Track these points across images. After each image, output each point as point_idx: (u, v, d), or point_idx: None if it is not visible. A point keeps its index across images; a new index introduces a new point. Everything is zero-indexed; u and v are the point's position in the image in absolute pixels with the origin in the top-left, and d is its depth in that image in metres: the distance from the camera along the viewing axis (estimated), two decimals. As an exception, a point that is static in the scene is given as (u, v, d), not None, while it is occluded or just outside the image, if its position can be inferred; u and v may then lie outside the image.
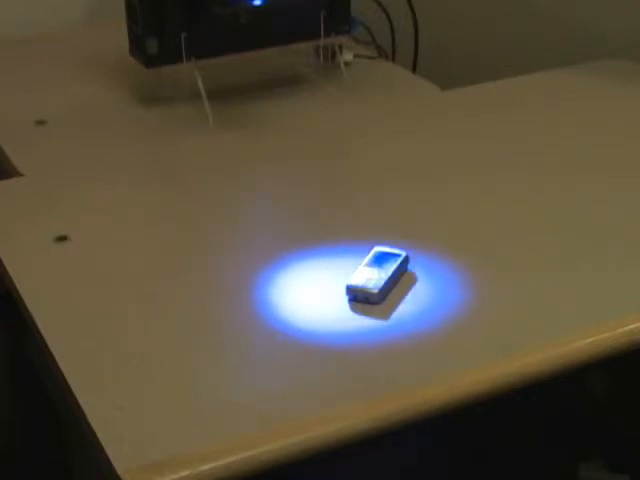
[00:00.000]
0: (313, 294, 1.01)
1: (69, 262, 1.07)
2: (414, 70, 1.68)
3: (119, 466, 0.79)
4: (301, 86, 1.51)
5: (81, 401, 0.86)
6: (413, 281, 1.03)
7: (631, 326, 0.96)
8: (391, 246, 1.06)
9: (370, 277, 1.00)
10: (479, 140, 1.33)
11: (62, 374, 0.90)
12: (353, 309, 0.99)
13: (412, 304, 0.99)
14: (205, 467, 0.80)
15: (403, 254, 1.04)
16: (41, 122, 1.40)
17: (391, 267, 1.02)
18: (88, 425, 0.84)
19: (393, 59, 1.65)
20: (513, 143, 1.33)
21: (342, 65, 1.50)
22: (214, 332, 0.97)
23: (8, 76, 1.56)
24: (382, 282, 0.99)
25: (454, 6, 1.90)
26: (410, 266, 1.04)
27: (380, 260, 1.03)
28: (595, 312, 0.98)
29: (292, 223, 1.16)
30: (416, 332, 0.96)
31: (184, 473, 0.79)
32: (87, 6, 1.82)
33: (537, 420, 1.32)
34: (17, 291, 1.02)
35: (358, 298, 0.99)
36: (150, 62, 1.37)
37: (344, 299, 1.00)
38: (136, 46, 1.38)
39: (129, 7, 1.37)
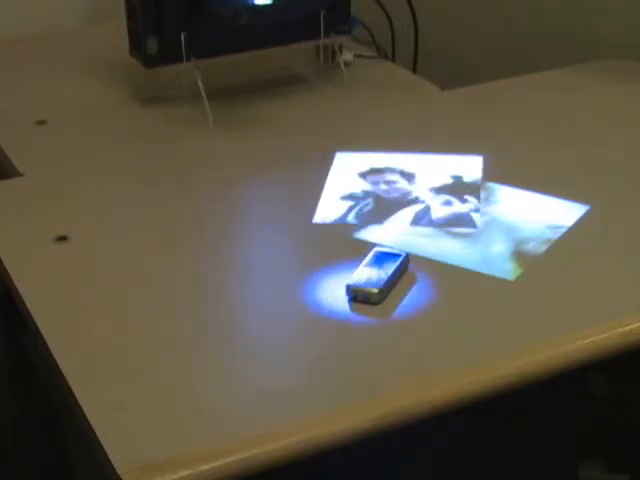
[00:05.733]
0: (313, 294, 1.02)
1: (69, 262, 1.07)
2: (414, 70, 1.68)
3: (119, 466, 0.79)
4: (301, 86, 1.51)
5: (81, 401, 0.86)
6: (413, 281, 1.03)
7: (631, 326, 0.96)
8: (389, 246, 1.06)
9: (370, 277, 1.00)
10: (479, 140, 1.33)
11: (62, 374, 0.90)
12: (353, 309, 0.99)
13: (412, 304, 0.99)
14: (205, 467, 0.80)
15: (403, 254, 1.04)
16: (41, 122, 1.40)
17: (391, 267, 1.02)
18: (88, 425, 0.84)
19: (393, 59, 1.65)
20: (513, 143, 1.33)
21: (342, 65, 1.50)
22: (214, 332, 0.97)
23: (8, 76, 1.56)
24: (382, 282, 0.99)
25: (454, 6, 1.90)
26: (410, 266, 1.04)
27: (380, 260, 1.03)
28: (595, 312, 0.98)
29: (292, 223, 1.16)
30: (416, 332, 0.96)
31: (184, 473, 0.79)
32: (87, 6, 1.82)
33: (537, 420, 1.32)
34: (17, 291, 1.02)
35: (358, 298, 0.99)
36: (150, 62, 1.37)
37: (344, 299, 1.00)
38: (136, 46, 1.38)
39: (129, 7, 1.37)
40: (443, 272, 1.04)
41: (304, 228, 1.14)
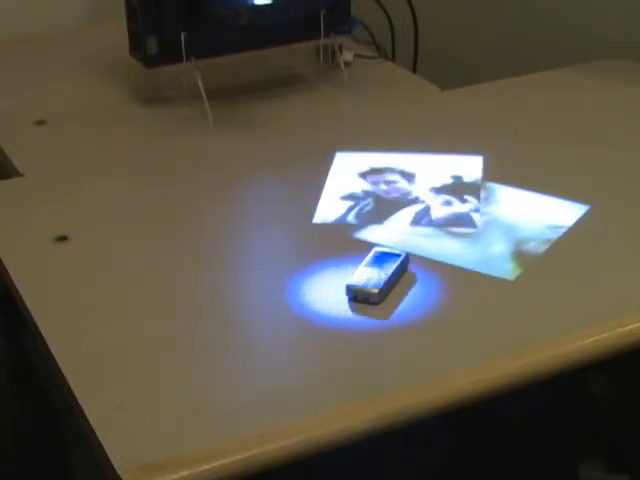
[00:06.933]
0: (313, 294, 1.01)
1: (69, 262, 1.07)
2: (414, 70, 1.68)
3: (119, 466, 0.79)
4: (301, 86, 1.51)
5: (81, 401, 0.86)
6: (413, 281, 1.03)
7: (631, 326, 0.96)
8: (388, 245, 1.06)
9: (370, 277, 1.00)
10: (479, 140, 1.33)
11: (62, 374, 0.90)
12: (353, 309, 0.99)
13: (412, 304, 0.99)
14: (205, 467, 0.80)
15: (403, 254, 1.04)
16: (41, 122, 1.40)
17: (391, 267, 1.02)
18: (88, 425, 0.84)
19: (393, 59, 1.65)
20: (513, 143, 1.33)
21: (342, 65, 1.50)
22: (214, 332, 0.97)
23: (8, 76, 1.56)
24: (382, 282, 0.99)
25: (454, 6, 1.90)
26: (410, 266, 1.04)
27: (380, 260, 1.03)
28: (595, 312, 0.98)
29: (292, 223, 1.16)
30: (416, 332, 0.96)
31: (184, 473, 0.79)
32: (87, 6, 1.82)
33: (537, 420, 1.32)
34: (17, 291, 1.02)
35: (358, 298, 0.99)
36: (150, 62, 1.37)
37: (344, 299, 1.00)
38: (136, 46, 1.38)
39: (129, 7, 1.37)
40: (443, 272, 1.04)
41: (304, 228, 1.14)
